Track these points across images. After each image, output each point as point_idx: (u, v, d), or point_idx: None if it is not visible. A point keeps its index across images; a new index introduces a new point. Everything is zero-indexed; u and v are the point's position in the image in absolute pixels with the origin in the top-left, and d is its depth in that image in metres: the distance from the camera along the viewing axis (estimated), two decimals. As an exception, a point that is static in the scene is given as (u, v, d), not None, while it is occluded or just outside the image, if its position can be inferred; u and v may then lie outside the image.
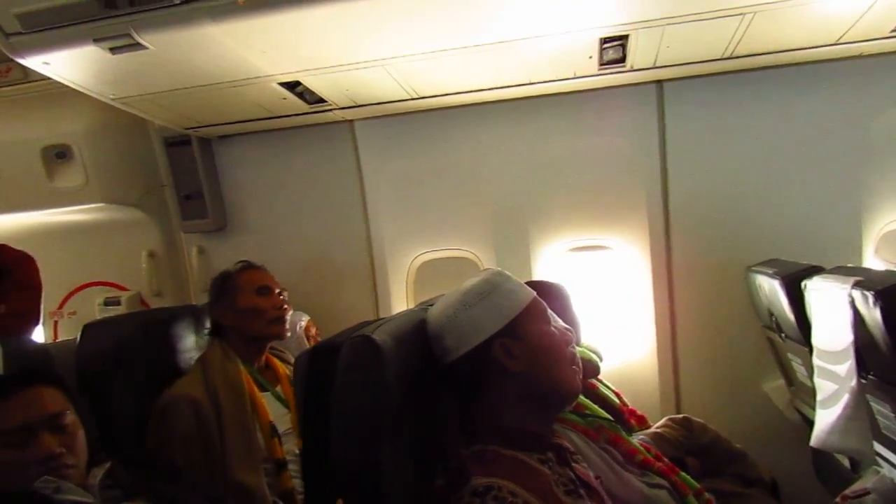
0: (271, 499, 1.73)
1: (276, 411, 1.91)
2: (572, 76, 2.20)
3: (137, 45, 1.71)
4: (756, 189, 2.35)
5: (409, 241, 2.70)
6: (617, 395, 1.90)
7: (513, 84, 2.26)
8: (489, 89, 2.30)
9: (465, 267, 2.67)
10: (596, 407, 1.66)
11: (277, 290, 2.04)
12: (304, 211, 2.78)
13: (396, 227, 2.70)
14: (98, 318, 2.75)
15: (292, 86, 2.14)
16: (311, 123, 2.60)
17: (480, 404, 1.20)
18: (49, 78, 2.47)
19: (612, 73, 2.16)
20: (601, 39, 1.92)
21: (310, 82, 2.11)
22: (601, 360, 1.89)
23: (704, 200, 2.39)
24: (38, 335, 2.64)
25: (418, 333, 1.20)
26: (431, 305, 1.33)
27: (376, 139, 2.63)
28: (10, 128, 2.64)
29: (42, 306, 2.07)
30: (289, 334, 2.23)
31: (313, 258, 2.79)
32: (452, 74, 2.12)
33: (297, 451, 1.89)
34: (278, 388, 2.00)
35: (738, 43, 1.96)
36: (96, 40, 1.68)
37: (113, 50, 1.72)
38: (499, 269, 1.28)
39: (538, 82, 2.25)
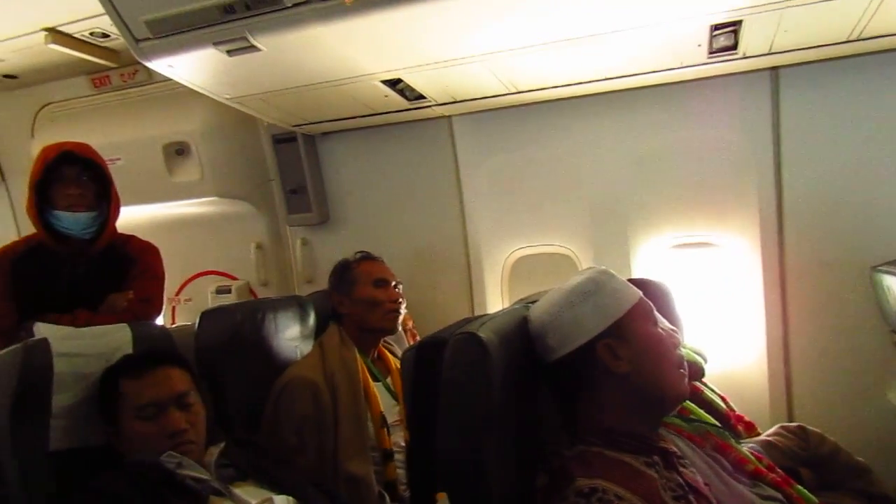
0: (377, 488, 1.77)
1: (386, 402, 1.96)
2: (678, 66, 2.11)
3: (252, 48, 1.80)
4: (880, 182, 2.15)
5: (506, 237, 2.69)
6: (723, 399, 1.81)
7: (614, 76, 2.19)
8: (589, 82, 2.24)
9: (561, 263, 2.63)
10: (702, 412, 1.59)
11: (394, 283, 2.09)
12: (402, 205, 2.83)
13: (492, 222, 2.70)
14: (211, 305, 2.92)
15: (394, 83, 2.18)
16: (409, 120, 2.64)
17: (583, 405, 1.18)
18: (171, 80, 2.66)
19: (722, 62, 2.05)
20: (712, 26, 1.83)
21: (411, 79, 2.14)
22: (706, 362, 1.81)
23: (823, 194, 2.22)
24: (159, 319, 2.86)
25: (521, 331, 1.20)
26: (532, 303, 1.33)
27: (473, 134, 2.64)
28: (137, 126, 2.86)
29: (164, 294, 2.22)
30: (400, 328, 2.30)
31: (410, 252, 2.84)
32: (552, 68, 2.08)
33: (403, 443, 1.94)
34: (388, 380, 2.05)
35: (866, 24, 1.81)
36: (215, 44, 1.79)
37: (230, 52, 1.82)
38: (604, 267, 1.25)
39: (641, 73, 2.17)
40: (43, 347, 1.37)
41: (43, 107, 3.17)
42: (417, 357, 1.10)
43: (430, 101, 2.37)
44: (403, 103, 2.36)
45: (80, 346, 1.46)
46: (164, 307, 2.20)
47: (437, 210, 2.78)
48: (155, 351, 1.54)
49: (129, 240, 2.16)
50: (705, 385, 1.79)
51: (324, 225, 2.95)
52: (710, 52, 1.98)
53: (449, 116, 2.63)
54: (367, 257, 2.14)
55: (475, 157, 2.67)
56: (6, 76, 2.99)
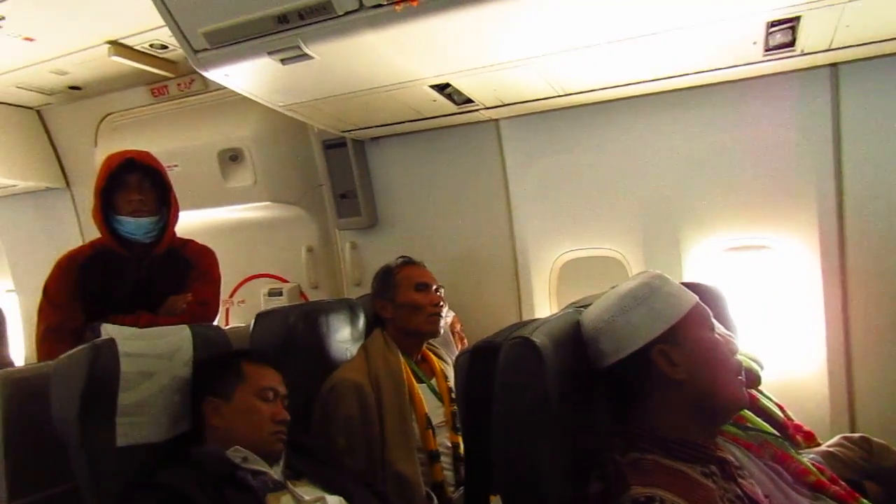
0: (424, 489, 1.79)
1: (431, 403, 1.98)
2: (732, 65, 2.06)
3: (305, 56, 1.84)
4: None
5: (553, 240, 2.68)
6: (780, 408, 1.76)
7: (665, 76, 2.15)
8: (639, 83, 2.21)
9: (610, 267, 2.59)
10: (759, 420, 1.55)
11: (435, 287, 2.10)
12: (449, 209, 2.85)
13: (540, 225, 2.69)
14: (264, 307, 3.00)
15: (442, 87, 2.19)
16: (457, 124, 2.65)
17: (637, 411, 1.17)
18: (225, 88, 2.74)
19: (778, 59, 1.99)
20: (768, 23, 1.78)
21: (459, 83, 2.15)
22: (762, 369, 1.76)
23: (886, 194, 2.14)
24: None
25: (573, 335, 1.19)
26: (584, 307, 1.32)
27: (521, 137, 2.63)
28: (193, 134, 2.96)
29: (220, 296, 2.28)
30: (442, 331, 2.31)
31: (458, 255, 2.85)
32: (602, 69, 2.06)
33: (449, 444, 1.96)
34: (433, 381, 2.07)
35: (932, 18, 1.73)
36: (270, 53, 1.84)
37: (283, 61, 1.86)
38: (658, 271, 1.23)
39: (693, 73, 2.12)
40: (110, 347, 1.43)
41: (105, 116, 3.31)
42: (471, 361, 1.11)
43: (477, 105, 2.37)
44: (451, 107, 2.37)
45: (143, 346, 1.52)
46: (219, 309, 2.26)
47: (484, 213, 2.78)
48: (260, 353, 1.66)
49: (188, 243, 2.23)
50: (761, 393, 1.75)
51: (372, 228, 2.99)
52: (766, 50, 1.93)
53: (496, 120, 2.63)
54: (408, 262, 2.17)
55: (523, 159, 2.66)
56: (71, 88, 3.13)
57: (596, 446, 1.15)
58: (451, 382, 2.15)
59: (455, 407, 2.05)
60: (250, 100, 2.31)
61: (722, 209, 2.37)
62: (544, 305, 2.74)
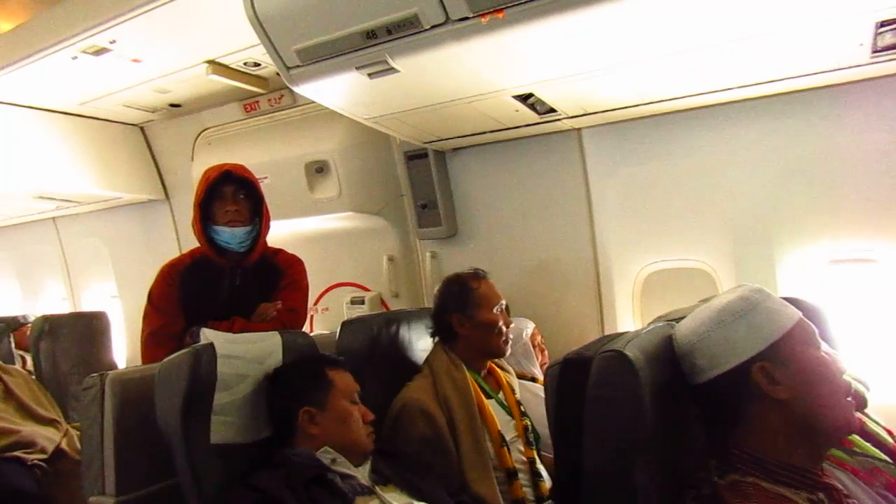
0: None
1: (501, 418, 1.94)
2: (835, 68, 1.94)
3: (391, 70, 1.88)
4: None
5: (637, 251, 2.60)
6: (888, 433, 1.63)
7: (760, 81, 2.06)
8: (732, 89, 2.12)
9: (698, 279, 2.49)
10: (867, 445, 1.44)
11: (505, 305, 2.09)
12: (530, 219, 2.82)
13: (623, 235, 2.62)
14: (346, 315, 3.07)
15: (525, 98, 2.19)
16: (538, 133, 2.64)
17: (735, 430, 1.11)
18: (313, 103, 2.83)
19: (888, 61, 1.87)
20: (877, 23, 1.67)
21: (542, 93, 2.14)
22: (868, 391, 1.64)
23: None
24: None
25: (666, 350, 1.15)
26: (674, 321, 1.28)
27: (604, 146, 2.58)
28: (282, 147, 3.08)
29: (308, 304, 2.35)
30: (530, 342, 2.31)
31: (538, 266, 2.82)
32: (692, 75, 2.00)
33: (525, 460, 1.92)
34: (500, 396, 2.04)
35: None
36: (358, 67, 1.89)
37: (371, 75, 1.91)
38: (757, 285, 1.17)
39: (791, 77, 2.02)
40: (209, 351, 1.51)
41: (201, 132, 3.50)
42: (561, 373, 1.10)
43: (560, 115, 2.35)
44: (533, 117, 2.36)
45: (239, 350, 1.59)
46: (307, 317, 2.33)
47: (565, 224, 2.74)
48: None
49: (278, 253, 2.31)
50: (868, 416, 1.63)
51: (452, 238, 3.00)
52: (874, 52, 1.81)
53: (579, 129, 2.59)
54: (480, 276, 2.13)
55: (606, 169, 2.61)
56: (172, 105, 3.33)
57: (690, 466, 1.11)
58: (519, 394, 2.13)
59: (526, 420, 2.02)
60: (336, 113, 2.38)
61: (821, 220, 2.23)
62: (627, 318, 2.67)
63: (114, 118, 3.51)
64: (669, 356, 1.15)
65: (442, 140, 2.71)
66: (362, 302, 3.13)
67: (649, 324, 1.42)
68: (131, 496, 1.48)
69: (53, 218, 4.57)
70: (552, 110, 2.31)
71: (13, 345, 3.71)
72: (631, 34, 1.71)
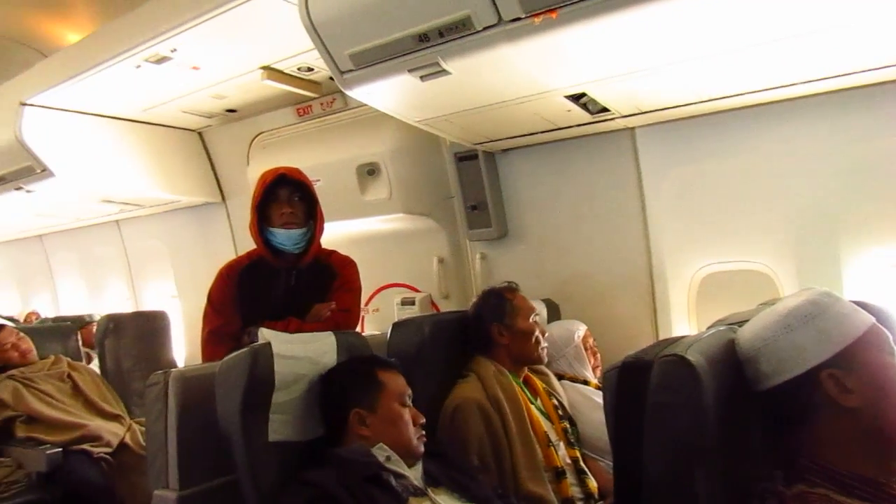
0: (555, 505, 1.76)
1: (543, 422, 1.98)
2: (906, 61, 1.86)
3: (443, 72, 1.88)
4: None
5: (693, 252, 2.54)
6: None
7: (825, 76, 1.98)
8: (793, 85, 2.05)
9: (757, 282, 2.40)
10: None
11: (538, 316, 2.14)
12: (580, 220, 2.79)
13: (678, 237, 2.56)
14: (397, 316, 3.10)
15: (577, 97, 2.16)
16: (590, 133, 2.60)
17: (802, 439, 1.07)
18: (364, 106, 2.86)
19: (963, 53, 1.77)
20: (952, 14, 1.58)
21: (595, 93, 2.11)
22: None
23: None
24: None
25: (728, 355, 1.12)
26: (735, 325, 1.24)
27: (659, 145, 2.53)
28: (335, 150, 3.12)
29: (361, 305, 2.38)
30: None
31: (589, 267, 2.79)
32: (753, 72, 1.94)
33: (569, 460, 1.93)
34: (538, 402, 2.07)
35: None
36: (410, 70, 1.90)
37: (423, 78, 1.92)
38: (826, 289, 1.13)
39: (860, 71, 1.93)
40: (267, 350, 1.54)
41: (256, 136, 3.58)
42: (619, 377, 1.08)
43: (613, 114, 2.32)
44: (586, 117, 2.33)
45: (295, 350, 1.62)
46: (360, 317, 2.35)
47: (617, 225, 2.70)
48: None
49: (332, 254, 2.35)
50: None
51: (502, 240, 2.99)
52: (949, 43, 1.72)
53: (632, 128, 2.55)
54: (516, 288, 2.20)
55: (660, 169, 2.56)
56: (228, 111, 3.43)
57: (753, 475, 1.07)
58: (557, 399, 2.14)
59: (565, 423, 2.05)
60: (386, 116, 2.41)
61: (891, 220, 2.13)
62: (682, 321, 2.61)
63: (173, 124, 3.64)
64: (732, 361, 1.12)
65: (492, 141, 2.70)
66: (413, 303, 3.15)
67: (709, 327, 1.38)
68: (193, 490, 1.52)
69: (117, 221, 4.77)
70: (605, 110, 2.28)
71: (80, 342, 3.88)
72: (686, 31, 1.67)
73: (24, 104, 3.04)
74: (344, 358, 1.73)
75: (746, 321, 1.20)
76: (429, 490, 1.48)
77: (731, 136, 2.37)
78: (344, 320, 2.19)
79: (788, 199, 2.30)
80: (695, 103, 2.21)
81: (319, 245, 2.29)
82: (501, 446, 1.82)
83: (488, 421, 1.83)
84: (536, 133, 2.58)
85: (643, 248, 2.64)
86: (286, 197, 2.20)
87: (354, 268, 2.35)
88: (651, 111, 2.30)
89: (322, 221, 2.27)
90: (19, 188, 3.49)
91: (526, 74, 1.96)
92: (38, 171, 3.23)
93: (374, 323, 3.41)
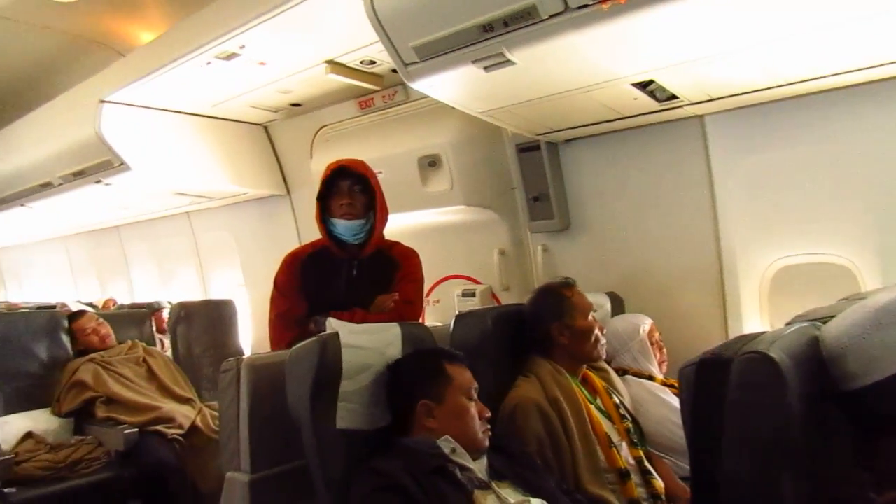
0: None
1: (604, 422, 1.92)
2: None
3: (507, 62, 1.86)
4: None
5: (766, 244, 2.44)
6: None
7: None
8: (875, 66, 1.92)
9: (836, 276, 2.28)
10: None
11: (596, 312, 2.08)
12: (645, 211, 2.72)
13: (750, 228, 2.46)
14: (457, 308, 3.10)
15: (644, 85, 2.10)
16: (656, 122, 2.53)
17: (893, 442, 1.02)
18: (425, 98, 2.87)
19: None
20: None
21: (663, 80, 2.05)
22: None
23: None
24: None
25: (811, 352, 1.07)
26: (817, 321, 1.18)
27: (730, 133, 2.43)
28: (396, 142, 3.15)
29: (423, 296, 2.40)
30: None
31: (655, 260, 2.71)
32: (835, 53, 1.83)
33: (633, 461, 1.87)
34: (598, 401, 2.01)
35: None
36: (474, 61, 1.89)
37: (487, 69, 1.91)
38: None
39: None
40: (335, 340, 1.57)
41: (319, 129, 3.65)
42: (697, 374, 1.04)
43: (682, 101, 2.24)
44: (653, 105, 2.27)
45: (361, 340, 1.65)
46: (423, 309, 2.36)
47: (685, 216, 2.62)
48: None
49: (395, 245, 2.38)
50: None
51: (565, 232, 2.95)
52: None
53: (701, 116, 2.46)
54: (573, 284, 2.12)
55: (731, 157, 2.46)
56: (292, 105, 3.50)
57: (841, 479, 1.02)
58: (618, 397, 2.08)
59: (627, 423, 1.99)
60: (448, 108, 2.40)
61: None
62: (754, 316, 2.51)
63: (241, 118, 3.74)
64: (817, 359, 1.06)
65: (555, 131, 2.66)
66: (473, 295, 3.15)
67: (788, 323, 1.32)
68: (264, 474, 1.57)
69: (188, 212, 4.95)
70: (673, 97, 2.21)
71: (154, 328, 4.06)
72: (761, 12, 1.59)
73: (103, 101, 3.19)
74: (409, 349, 1.75)
75: (830, 317, 1.15)
76: (493, 483, 1.48)
77: (809, 122, 2.26)
78: (407, 311, 2.21)
79: (871, 186, 2.18)
80: (769, 88, 2.11)
81: (381, 236, 2.31)
82: (562, 448, 1.78)
83: (548, 422, 1.80)
84: (601, 122, 2.52)
85: (712, 240, 2.56)
86: (346, 188, 2.24)
87: (417, 259, 2.37)
88: (722, 97, 2.21)
89: (384, 213, 2.29)
90: (98, 181, 3.67)
91: (592, 63, 1.92)
92: (116, 165, 3.39)
93: (435, 314, 3.42)
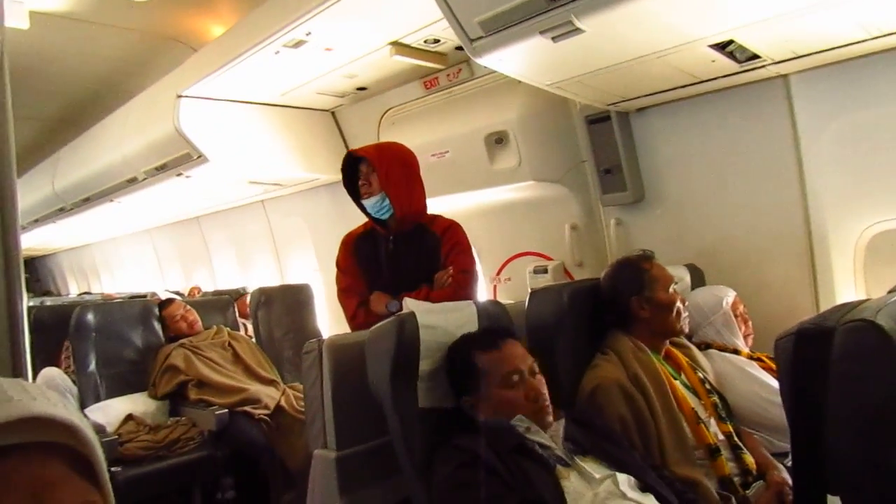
0: (714, 488, 1.66)
1: (690, 399, 1.86)
2: None
3: (576, 31, 1.80)
4: None
5: (860, 209, 2.28)
6: None
7: None
8: None
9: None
10: None
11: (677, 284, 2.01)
12: (726, 179, 2.59)
13: (842, 192, 2.31)
14: (530, 285, 3.07)
15: (723, 46, 1.99)
16: (734, 85, 2.39)
17: None
18: (490, 74, 2.84)
19: None
20: None
21: (745, 39, 1.93)
22: None
23: None
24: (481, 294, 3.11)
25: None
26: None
27: (818, 92, 2.27)
28: (462, 121, 3.13)
29: (478, 264, 2.40)
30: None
31: (736, 230, 2.59)
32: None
33: (722, 436, 1.81)
34: (683, 377, 1.94)
35: None
36: (541, 32, 1.84)
37: (555, 39, 1.85)
38: None
39: None
40: (412, 320, 1.59)
41: (385, 112, 3.67)
42: (796, 345, 0.99)
43: (764, 61, 2.11)
44: (732, 66, 2.15)
45: (437, 319, 1.66)
46: (478, 278, 2.42)
47: (768, 182, 2.48)
48: (497, 328, 1.67)
49: (435, 219, 2.44)
50: None
51: (638, 204, 2.85)
52: None
53: (785, 75, 2.31)
54: (651, 257, 2.05)
55: (819, 118, 2.31)
56: (358, 89, 3.53)
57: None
58: (702, 373, 2.00)
59: (714, 398, 1.91)
60: (513, 83, 2.36)
61: None
62: (847, 285, 2.37)
63: (309, 105, 3.81)
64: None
65: (627, 100, 2.58)
66: (545, 271, 3.10)
67: (890, 290, 1.24)
68: (350, 451, 1.61)
69: (262, 201, 5.12)
70: (755, 57, 2.09)
71: (237, 313, 4.23)
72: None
73: (180, 96, 3.32)
74: (485, 323, 1.74)
75: (942, 283, 1.06)
76: (575, 458, 1.46)
77: (907, 75, 2.09)
78: (464, 281, 2.28)
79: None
80: (863, 41, 1.96)
81: (410, 210, 2.35)
82: (647, 428, 1.72)
83: (631, 402, 1.74)
84: (675, 88, 2.42)
85: (799, 206, 2.41)
86: (363, 171, 2.37)
87: (458, 229, 2.41)
88: (809, 54, 2.07)
89: (398, 188, 2.33)
90: (179, 174, 3.83)
91: (666, 25, 1.84)
92: (195, 157, 3.53)
93: (506, 292, 3.41)
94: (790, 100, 2.35)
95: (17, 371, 1.12)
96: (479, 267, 2.69)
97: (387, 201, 2.33)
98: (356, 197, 2.43)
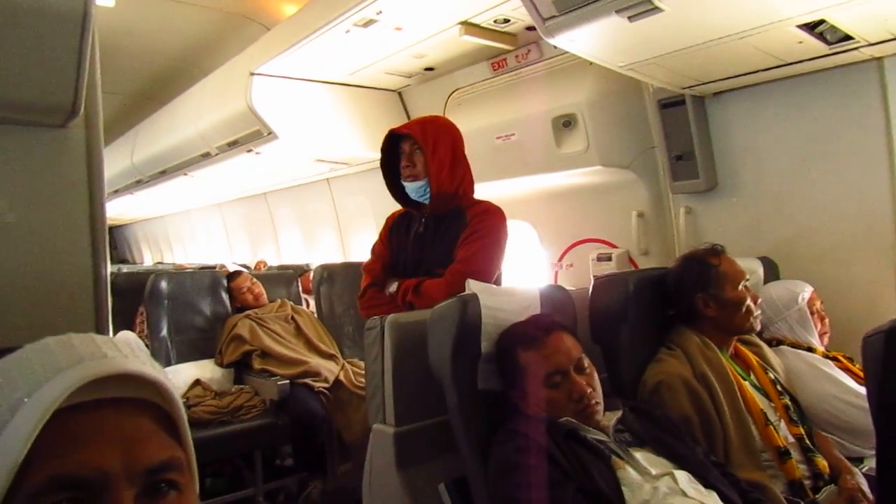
0: (782, 492, 1.60)
1: (760, 400, 1.78)
2: None
3: (654, 9, 1.74)
4: None
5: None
6: None
7: None
8: None
9: None
10: None
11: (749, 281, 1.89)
12: (807, 169, 2.46)
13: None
14: (592, 272, 3.02)
15: (813, 26, 1.88)
16: (823, 68, 2.26)
17: None
18: (560, 56, 2.77)
19: None
20: None
21: (837, 18, 1.82)
22: None
23: None
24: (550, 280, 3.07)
25: None
26: None
27: (916, 78, 2.13)
28: (530, 103, 3.08)
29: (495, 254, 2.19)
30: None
31: (816, 222, 2.46)
32: None
33: (793, 439, 1.74)
34: (752, 377, 1.86)
35: None
36: (618, 11, 1.78)
37: (631, 18, 1.79)
38: None
39: None
40: (475, 301, 1.58)
41: (452, 93, 3.65)
42: (887, 345, 0.93)
43: (857, 42, 1.98)
44: (821, 49, 2.03)
45: (499, 301, 1.64)
46: (492, 266, 2.15)
47: (855, 172, 2.33)
48: (543, 319, 1.63)
49: (476, 204, 2.25)
50: None
51: (711, 192, 2.75)
52: None
53: (879, 58, 2.16)
54: (721, 251, 1.94)
55: (916, 106, 2.16)
56: (426, 69, 3.53)
57: None
58: (774, 374, 1.91)
59: (785, 399, 1.82)
60: (583, 64, 2.28)
61: None
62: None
63: (376, 85, 3.84)
64: None
65: (703, 84, 2.47)
66: (609, 258, 3.04)
67: None
68: (408, 427, 1.63)
69: (328, 179, 5.21)
70: (847, 38, 1.96)
71: (300, 289, 4.34)
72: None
73: (253, 74, 3.40)
74: (546, 309, 1.72)
75: None
76: (630, 451, 1.42)
77: None
78: (453, 269, 2.09)
79: None
80: (972, 22, 1.82)
81: (452, 193, 2.20)
82: (713, 427, 1.66)
83: (697, 399, 1.69)
84: (757, 72, 2.31)
85: (888, 198, 2.27)
86: (407, 150, 2.23)
87: (492, 219, 2.19)
88: (909, 36, 1.93)
89: (442, 169, 2.16)
90: (250, 150, 3.94)
91: (751, 3, 1.75)
92: (265, 134, 3.62)
93: (568, 279, 3.36)
94: (884, 85, 2.21)
95: (99, 331, 1.17)
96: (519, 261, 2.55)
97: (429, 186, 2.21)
98: (393, 179, 2.31)
